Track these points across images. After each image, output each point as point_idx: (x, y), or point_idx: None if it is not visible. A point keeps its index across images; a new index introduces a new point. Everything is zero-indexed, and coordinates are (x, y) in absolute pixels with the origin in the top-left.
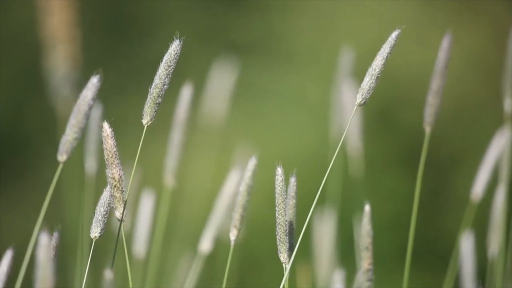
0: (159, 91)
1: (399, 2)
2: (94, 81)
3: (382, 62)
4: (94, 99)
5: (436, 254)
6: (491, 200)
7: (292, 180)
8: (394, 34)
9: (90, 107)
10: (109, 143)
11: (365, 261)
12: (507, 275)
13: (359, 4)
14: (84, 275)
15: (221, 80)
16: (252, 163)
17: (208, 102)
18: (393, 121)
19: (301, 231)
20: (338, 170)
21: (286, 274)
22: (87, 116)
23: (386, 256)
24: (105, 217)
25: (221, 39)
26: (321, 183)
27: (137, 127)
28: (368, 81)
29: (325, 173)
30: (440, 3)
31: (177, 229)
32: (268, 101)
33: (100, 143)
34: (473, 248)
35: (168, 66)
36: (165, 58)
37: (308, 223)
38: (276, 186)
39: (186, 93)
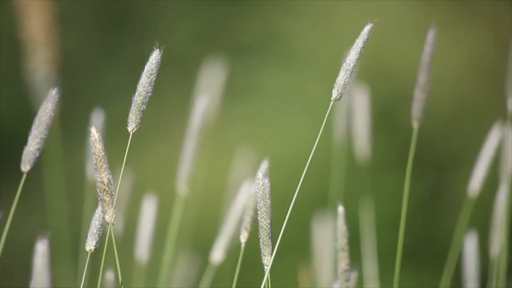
0: (143, 99)
1: (399, 2)
2: (53, 93)
3: (356, 57)
4: (54, 111)
5: (436, 254)
6: (492, 199)
7: (266, 181)
8: (367, 28)
9: (51, 119)
10: (97, 148)
11: (342, 262)
12: (510, 274)
13: (359, 4)
14: (81, 283)
15: (212, 80)
16: (264, 166)
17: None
18: (393, 121)
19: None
20: (341, 170)
21: (267, 275)
22: (48, 127)
23: (387, 256)
24: (100, 231)
25: (220, 38)
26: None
27: (140, 125)
28: (343, 76)
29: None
30: (440, 3)
31: (174, 231)
32: (268, 101)
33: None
34: (476, 249)
35: (150, 74)
36: (146, 67)
37: (310, 224)
38: (257, 191)
39: (201, 104)
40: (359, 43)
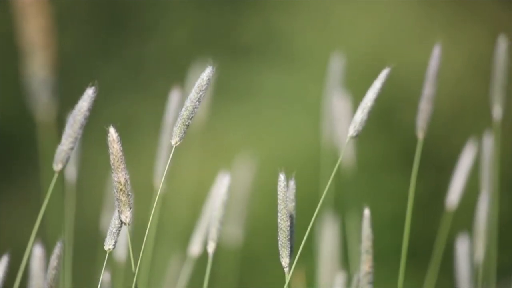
0: (190, 114)
1: (399, 2)
2: (89, 93)
3: (374, 97)
4: (89, 110)
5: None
6: (475, 205)
7: (291, 183)
8: (385, 72)
9: (86, 118)
10: (115, 148)
11: (365, 264)
12: (493, 278)
13: (359, 4)
14: (99, 283)
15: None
16: (225, 180)
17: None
18: (393, 121)
19: (302, 234)
20: (334, 173)
21: (288, 278)
22: (83, 127)
23: (387, 256)
24: (119, 230)
25: (220, 38)
26: (321, 185)
27: (136, 126)
28: (359, 115)
29: (325, 175)
30: (440, 3)
31: (165, 230)
32: (268, 101)
33: (82, 152)
34: (467, 253)
35: (200, 90)
36: (197, 83)
37: (304, 228)
38: (278, 192)
39: (174, 98)
40: (376, 84)
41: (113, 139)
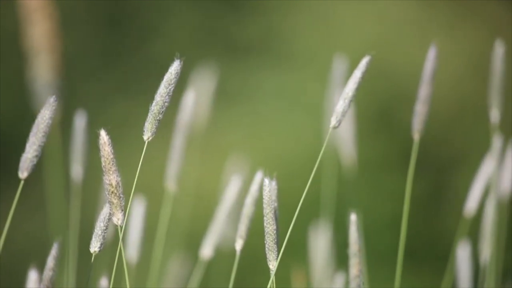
0: (160, 108)
1: (399, 2)
2: (51, 101)
3: (355, 87)
4: (52, 118)
5: (435, 255)
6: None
7: (273, 184)
8: (365, 60)
9: (49, 126)
10: (106, 150)
11: (354, 268)
12: (500, 280)
13: (359, 4)
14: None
15: (203, 84)
16: (259, 176)
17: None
18: (393, 121)
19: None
20: (333, 173)
21: (272, 278)
22: (46, 135)
23: (387, 256)
24: (105, 232)
25: (220, 39)
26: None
27: (139, 127)
28: (341, 105)
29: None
30: (440, 3)
31: (168, 232)
32: (268, 101)
33: (89, 151)
34: (469, 259)
35: (169, 84)
36: (165, 77)
37: (305, 229)
38: (264, 196)
39: (189, 99)
40: (357, 73)
41: (104, 142)
